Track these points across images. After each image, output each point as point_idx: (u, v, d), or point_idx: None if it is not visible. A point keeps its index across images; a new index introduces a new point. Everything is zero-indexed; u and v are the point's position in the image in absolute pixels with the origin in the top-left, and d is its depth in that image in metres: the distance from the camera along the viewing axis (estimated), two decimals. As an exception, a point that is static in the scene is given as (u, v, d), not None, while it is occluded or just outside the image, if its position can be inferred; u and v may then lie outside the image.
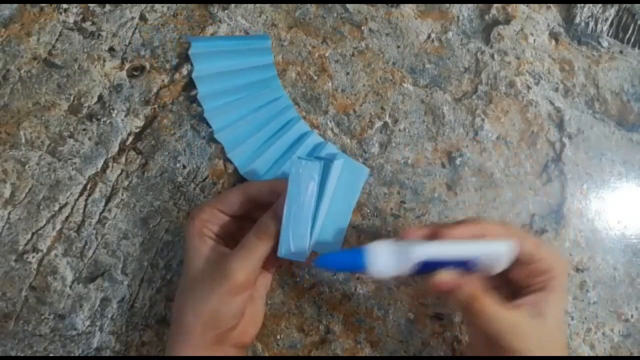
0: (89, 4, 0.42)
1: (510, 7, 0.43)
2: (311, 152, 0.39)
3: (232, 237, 0.33)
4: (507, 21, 0.43)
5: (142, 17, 0.42)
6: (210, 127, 0.39)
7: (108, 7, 0.42)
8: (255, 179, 0.38)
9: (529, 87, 0.41)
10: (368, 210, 0.39)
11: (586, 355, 0.38)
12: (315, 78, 0.41)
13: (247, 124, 0.39)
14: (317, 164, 0.30)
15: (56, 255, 0.37)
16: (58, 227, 0.38)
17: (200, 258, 0.32)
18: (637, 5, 0.43)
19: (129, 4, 0.42)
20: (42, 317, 0.37)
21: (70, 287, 0.37)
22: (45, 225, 0.38)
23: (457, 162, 0.40)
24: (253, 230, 0.31)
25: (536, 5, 0.43)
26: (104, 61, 0.41)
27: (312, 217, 0.30)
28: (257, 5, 0.42)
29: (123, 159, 0.39)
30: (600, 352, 0.38)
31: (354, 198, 0.38)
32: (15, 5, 0.41)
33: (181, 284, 0.33)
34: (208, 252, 0.32)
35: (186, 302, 0.31)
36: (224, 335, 0.31)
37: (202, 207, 0.33)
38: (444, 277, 0.29)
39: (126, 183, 0.39)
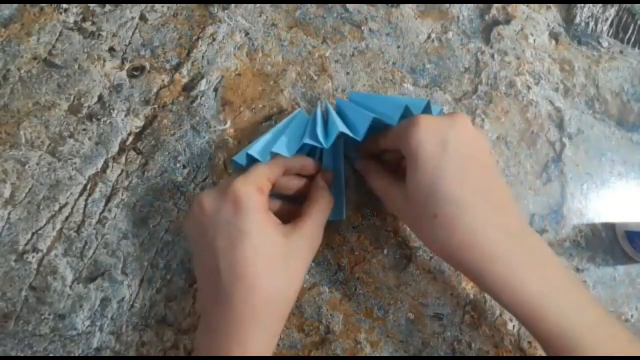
0: (89, 4, 0.42)
1: (510, 7, 0.43)
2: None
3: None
4: (507, 21, 0.43)
5: (142, 17, 0.42)
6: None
7: (108, 7, 0.42)
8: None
9: (529, 87, 0.41)
10: (368, 210, 0.39)
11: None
12: (316, 78, 0.41)
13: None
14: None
15: (56, 255, 0.37)
16: (58, 227, 0.38)
17: (270, 237, 0.30)
18: (637, 5, 0.43)
19: (129, 4, 0.42)
20: (42, 317, 0.37)
21: (70, 287, 0.37)
22: (45, 225, 0.38)
23: (457, 162, 0.39)
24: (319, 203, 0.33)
25: (536, 5, 0.43)
26: (104, 61, 0.41)
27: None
28: (257, 5, 0.42)
29: (123, 159, 0.39)
30: (600, 352, 0.38)
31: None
32: (15, 5, 0.41)
33: (242, 266, 0.29)
34: (275, 230, 0.30)
35: (259, 282, 0.29)
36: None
37: (254, 175, 0.31)
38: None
39: (126, 183, 0.39)
